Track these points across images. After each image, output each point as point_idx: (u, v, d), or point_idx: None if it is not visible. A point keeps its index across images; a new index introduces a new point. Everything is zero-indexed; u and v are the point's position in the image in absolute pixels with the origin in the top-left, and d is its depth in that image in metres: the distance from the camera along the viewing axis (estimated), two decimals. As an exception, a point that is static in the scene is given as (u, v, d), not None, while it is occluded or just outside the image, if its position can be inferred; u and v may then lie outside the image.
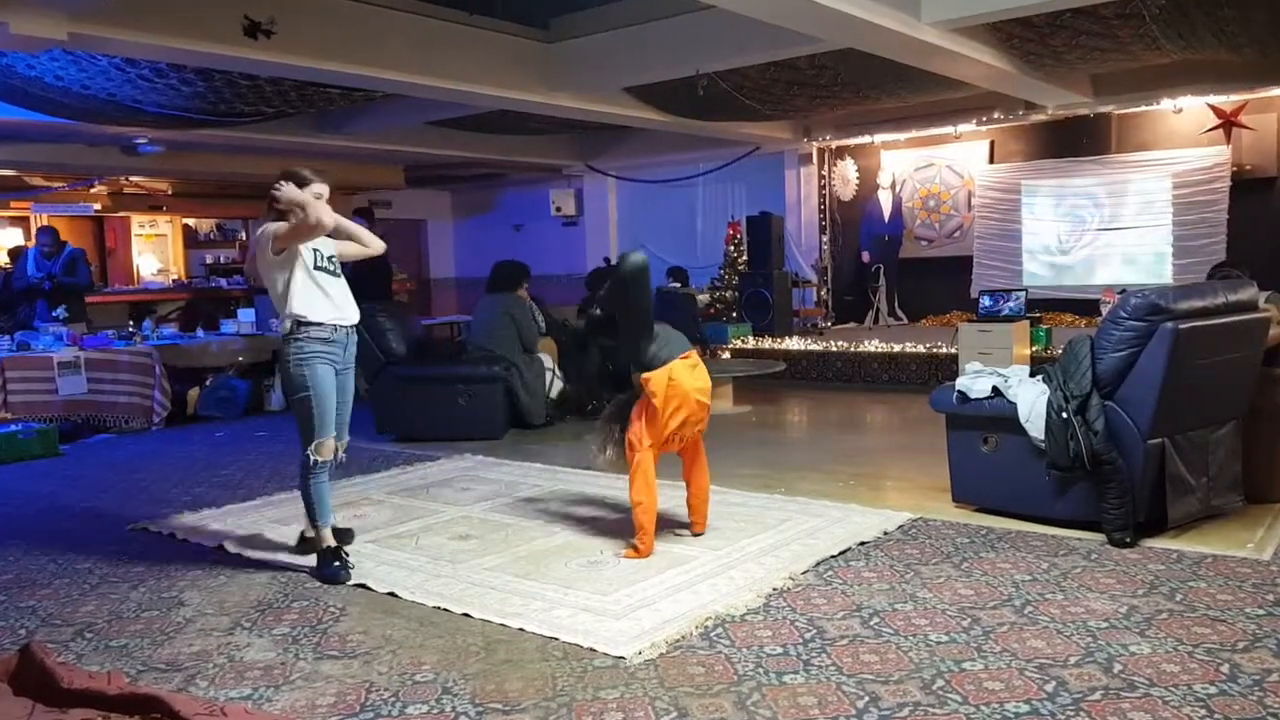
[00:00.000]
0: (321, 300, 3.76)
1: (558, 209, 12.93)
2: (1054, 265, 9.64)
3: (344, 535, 4.09)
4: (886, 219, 10.49)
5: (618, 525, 4.36)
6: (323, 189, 3.82)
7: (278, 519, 4.69)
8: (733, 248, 10.72)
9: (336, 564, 3.74)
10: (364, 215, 10.47)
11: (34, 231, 10.27)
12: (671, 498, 4.81)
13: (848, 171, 10.80)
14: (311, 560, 3.85)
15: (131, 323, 8.94)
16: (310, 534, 3.93)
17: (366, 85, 6.82)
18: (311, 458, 3.79)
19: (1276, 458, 4.30)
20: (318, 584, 3.71)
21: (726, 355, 9.27)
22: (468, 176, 13.04)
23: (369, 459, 6.15)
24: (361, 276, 10.07)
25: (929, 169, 10.39)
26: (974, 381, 4.27)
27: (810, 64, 6.94)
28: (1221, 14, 5.65)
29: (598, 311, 4.33)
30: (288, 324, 3.74)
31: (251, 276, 3.99)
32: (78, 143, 9.03)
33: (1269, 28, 5.95)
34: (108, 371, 7.38)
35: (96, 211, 11.76)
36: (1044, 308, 8.87)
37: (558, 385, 7.24)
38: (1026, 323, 7.66)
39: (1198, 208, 8.70)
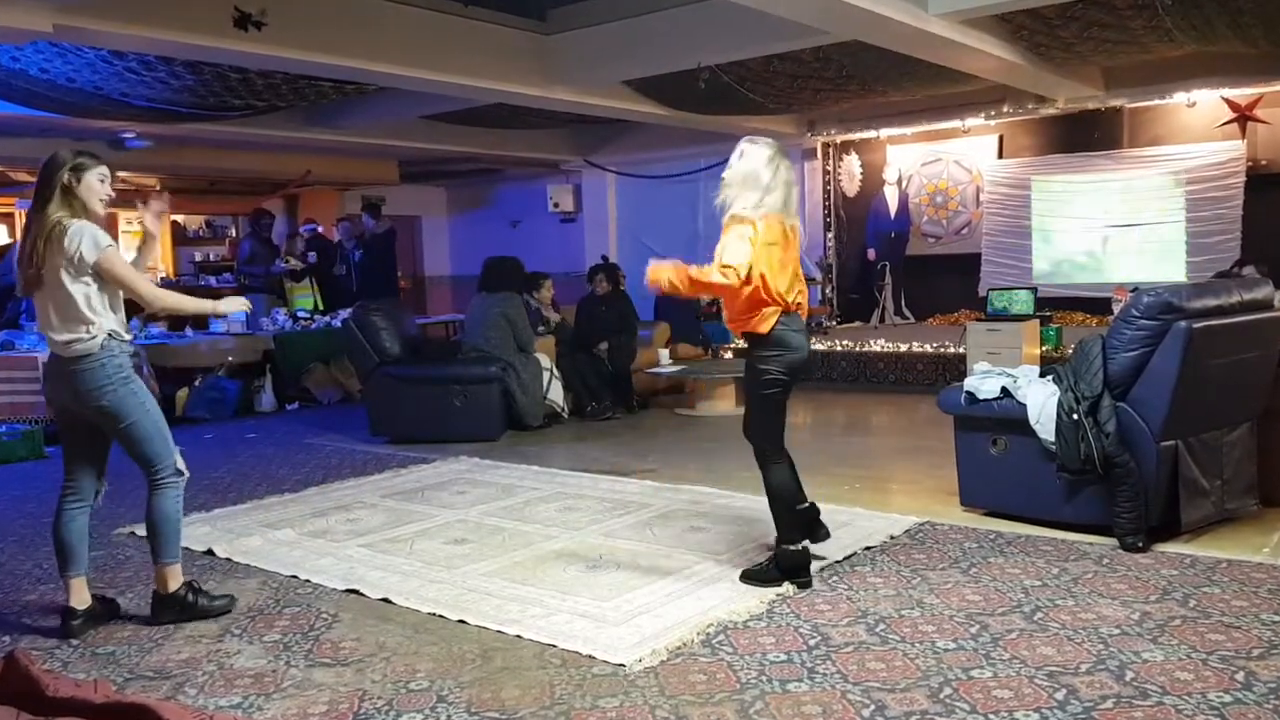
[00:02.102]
0: (119, 313, 3.29)
1: (556, 205, 12.85)
2: (1064, 263, 9.54)
3: (110, 606, 3.47)
4: (893, 215, 10.37)
5: (618, 529, 4.30)
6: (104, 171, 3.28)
7: (268, 523, 4.62)
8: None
9: (202, 599, 3.42)
10: (371, 211, 10.43)
11: (20, 229, 10.15)
12: (673, 500, 4.75)
13: (853, 167, 10.70)
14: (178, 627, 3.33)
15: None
16: (164, 589, 3.37)
17: (360, 78, 6.75)
18: (176, 474, 3.34)
19: (1292, 460, 4.24)
20: (310, 589, 3.65)
21: (729, 355, 9.20)
22: (463, 172, 12.96)
23: (362, 461, 6.09)
24: (367, 272, 10.14)
25: (936, 164, 10.27)
26: (982, 382, 4.22)
27: (814, 57, 6.86)
28: (1236, 4, 5.58)
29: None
30: (98, 339, 3.16)
31: (34, 283, 3.19)
32: (64, 137, 8.91)
33: (1285, 18, 5.87)
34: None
35: (83, 208, 11.65)
36: (1054, 306, 8.77)
37: (556, 386, 7.15)
38: (1036, 322, 7.60)
39: (1212, 204, 8.59)
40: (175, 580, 3.37)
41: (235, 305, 3.52)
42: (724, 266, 3.27)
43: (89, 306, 3.16)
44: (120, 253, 3.22)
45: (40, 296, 3.21)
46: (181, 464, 3.35)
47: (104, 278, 3.17)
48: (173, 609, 3.36)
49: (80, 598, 3.31)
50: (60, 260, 3.13)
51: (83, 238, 3.13)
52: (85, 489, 3.36)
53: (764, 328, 3.40)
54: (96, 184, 3.23)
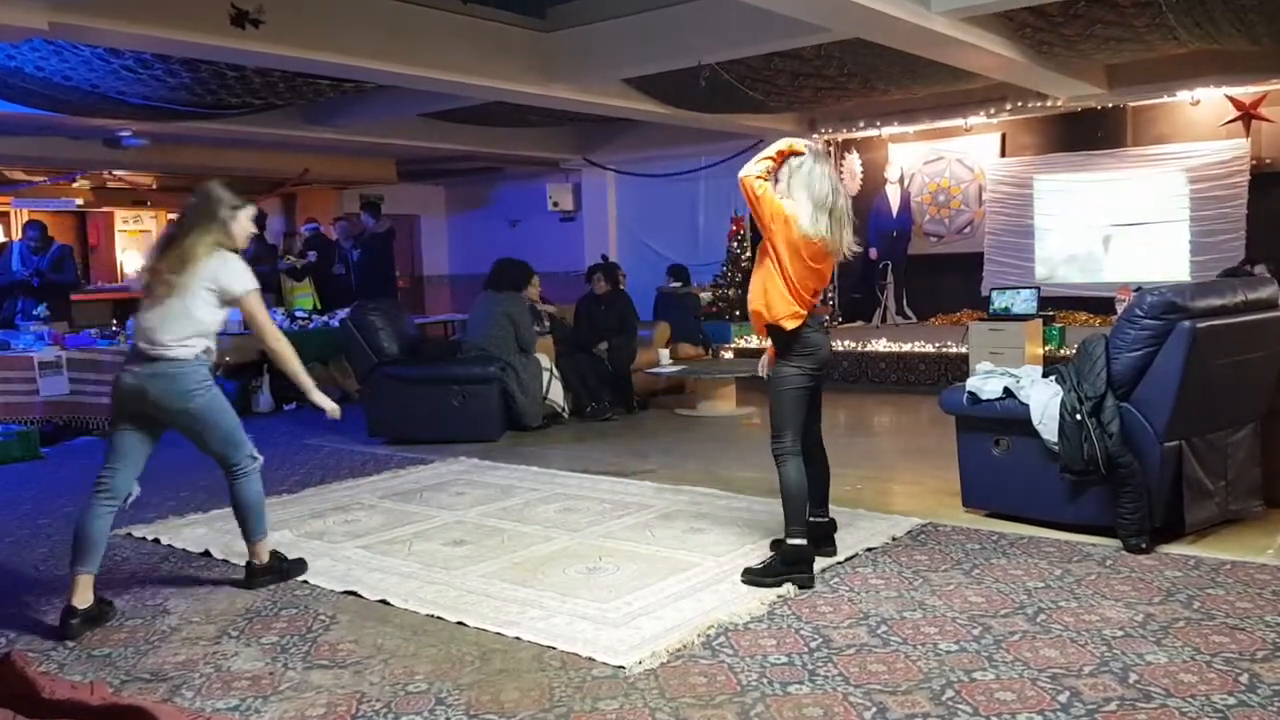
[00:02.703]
0: None
1: (555, 204, 12.81)
2: (1067, 262, 9.51)
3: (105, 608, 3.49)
4: (894, 214, 10.34)
5: (618, 530, 4.27)
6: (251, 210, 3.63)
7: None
8: (736, 244, 10.62)
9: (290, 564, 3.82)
10: (371, 210, 10.40)
11: (15, 227, 10.14)
12: (674, 501, 4.73)
13: (854, 165, 10.66)
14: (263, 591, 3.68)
15: (115, 321, 8.73)
16: (259, 560, 3.74)
17: (357, 76, 6.72)
18: (252, 460, 3.65)
19: (1296, 461, 4.21)
20: (307, 591, 3.65)
21: (729, 355, 9.18)
22: (462, 171, 12.92)
23: (360, 462, 6.07)
24: (365, 272, 10.12)
25: (938, 163, 10.24)
26: (985, 382, 4.19)
27: (816, 54, 6.83)
28: (1240, 2, 5.55)
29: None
30: (197, 350, 3.46)
31: (162, 294, 3.43)
32: (59, 135, 8.91)
33: (1290, 16, 5.83)
34: (91, 372, 7.20)
35: (79, 207, 11.61)
36: (1057, 306, 8.75)
37: (556, 386, 7.12)
38: (1039, 321, 7.56)
39: (1216, 203, 8.56)
40: (266, 551, 3.75)
41: (330, 407, 3.77)
42: (750, 178, 3.46)
43: (207, 328, 3.47)
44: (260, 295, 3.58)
45: (158, 304, 3.42)
46: (254, 450, 3.65)
47: (241, 311, 3.53)
48: (268, 575, 3.73)
49: (83, 596, 3.35)
50: (206, 283, 3.41)
51: (238, 272, 3.47)
52: (120, 488, 3.48)
53: (790, 325, 3.53)
54: (248, 222, 3.56)
